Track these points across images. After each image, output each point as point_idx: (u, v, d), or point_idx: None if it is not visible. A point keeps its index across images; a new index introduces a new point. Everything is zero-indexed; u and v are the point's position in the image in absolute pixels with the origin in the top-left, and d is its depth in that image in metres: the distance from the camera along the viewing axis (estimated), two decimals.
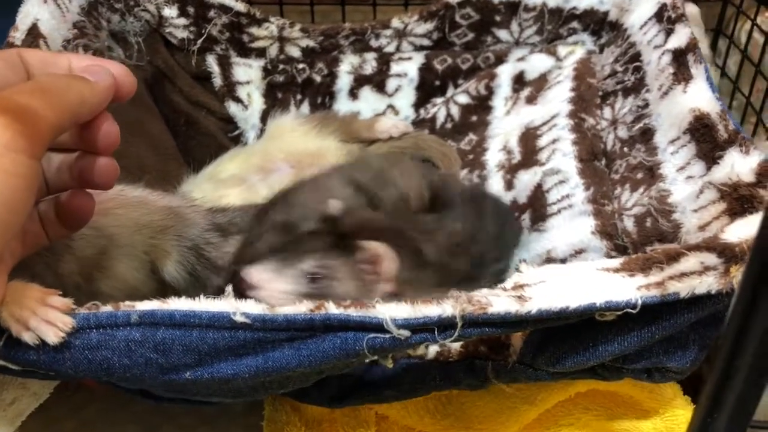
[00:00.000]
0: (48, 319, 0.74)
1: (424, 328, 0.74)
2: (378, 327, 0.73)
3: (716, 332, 0.81)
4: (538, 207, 1.21)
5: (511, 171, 1.33)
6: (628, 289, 0.72)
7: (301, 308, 0.75)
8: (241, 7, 1.56)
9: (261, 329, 0.74)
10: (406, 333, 0.73)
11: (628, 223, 1.06)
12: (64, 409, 1.15)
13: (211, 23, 1.57)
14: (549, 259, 1.11)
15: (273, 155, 1.46)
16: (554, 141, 1.27)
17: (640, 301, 0.71)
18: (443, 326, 0.73)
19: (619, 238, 1.04)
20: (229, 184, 1.42)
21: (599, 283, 0.75)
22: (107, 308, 0.76)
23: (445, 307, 0.73)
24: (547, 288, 0.76)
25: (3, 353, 0.75)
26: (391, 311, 0.73)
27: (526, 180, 1.28)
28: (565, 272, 0.79)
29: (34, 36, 1.17)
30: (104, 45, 1.44)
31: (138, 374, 0.76)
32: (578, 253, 1.07)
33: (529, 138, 1.34)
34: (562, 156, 1.23)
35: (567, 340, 0.82)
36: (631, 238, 1.03)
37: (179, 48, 1.59)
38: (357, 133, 1.53)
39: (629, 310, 0.71)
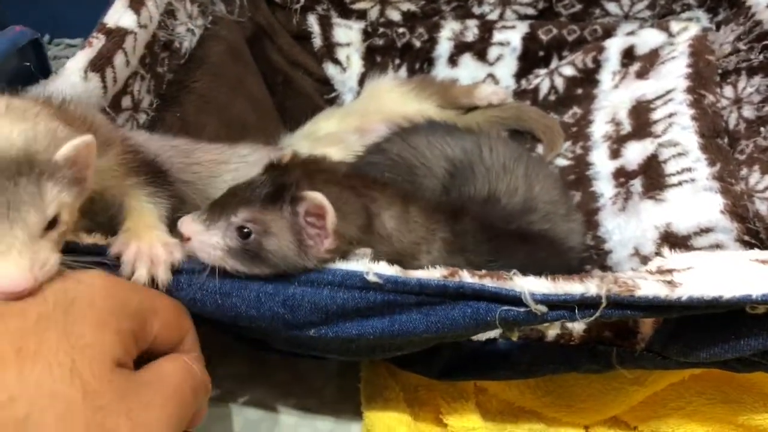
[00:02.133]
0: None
1: (563, 305, 0.68)
2: (514, 300, 0.68)
3: None
4: (653, 176, 1.13)
5: (619, 141, 1.25)
6: None
7: (435, 273, 0.70)
8: None
9: (392, 291, 0.70)
10: (543, 309, 0.68)
11: (762, 207, 0.97)
12: None
13: None
14: (668, 234, 1.03)
15: (370, 116, 1.40)
16: (671, 115, 1.18)
17: None
18: (584, 305, 0.67)
19: (751, 221, 0.95)
20: (327, 142, 1.36)
21: (754, 274, 0.68)
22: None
23: (589, 286, 0.67)
24: (698, 275, 0.69)
25: None
26: (529, 285, 0.68)
27: (638, 149, 1.20)
28: (715, 260, 0.73)
29: None
30: None
31: (263, 326, 0.73)
32: (704, 231, 0.99)
33: (641, 111, 1.25)
34: (680, 129, 1.14)
35: (705, 331, 0.75)
36: (765, 223, 0.95)
37: (281, 6, 1.54)
38: (455, 99, 1.45)
39: None
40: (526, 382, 1.00)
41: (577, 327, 0.84)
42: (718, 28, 1.35)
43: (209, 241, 0.77)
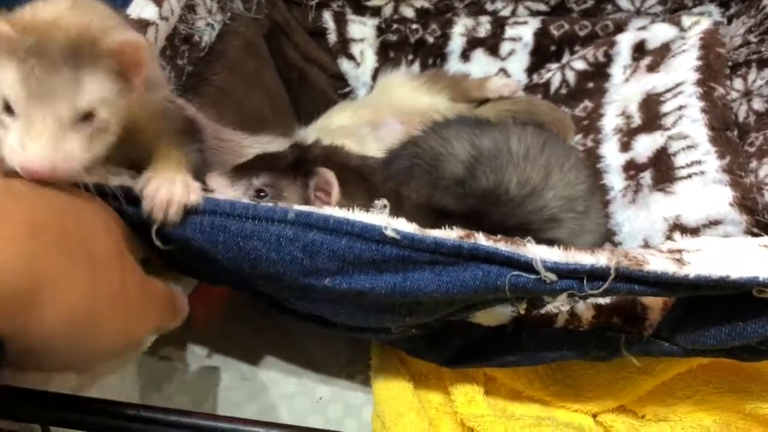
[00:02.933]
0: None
1: (572, 275, 0.68)
2: (525, 266, 0.68)
3: None
4: (663, 168, 1.11)
5: (629, 134, 1.24)
6: None
7: (451, 234, 0.71)
8: None
9: (408, 247, 0.71)
10: (553, 277, 0.68)
11: None
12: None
13: None
14: (677, 225, 1.01)
15: (382, 109, 1.40)
16: (680, 107, 1.17)
17: None
18: (593, 276, 0.67)
19: (760, 213, 0.94)
20: (339, 135, 1.35)
21: (762, 257, 0.68)
22: (267, 203, 0.75)
23: (600, 257, 0.67)
24: (707, 255, 0.68)
25: (161, 232, 0.75)
26: (542, 252, 0.68)
27: (648, 142, 1.18)
28: (725, 243, 0.72)
29: None
30: None
31: (281, 271, 0.74)
32: (713, 224, 0.97)
33: (651, 104, 1.23)
34: (690, 122, 1.12)
35: (712, 316, 0.74)
36: None
37: (297, 3, 1.54)
38: (467, 92, 1.44)
39: None
40: (535, 370, 1.00)
41: (586, 313, 0.83)
42: (729, 21, 1.33)
43: (230, 195, 0.81)
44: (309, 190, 0.87)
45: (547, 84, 1.45)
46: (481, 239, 0.70)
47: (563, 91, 1.43)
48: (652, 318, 0.80)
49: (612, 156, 1.23)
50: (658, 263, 0.66)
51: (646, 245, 1.03)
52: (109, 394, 0.75)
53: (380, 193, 0.84)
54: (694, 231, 0.99)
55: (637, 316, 0.81)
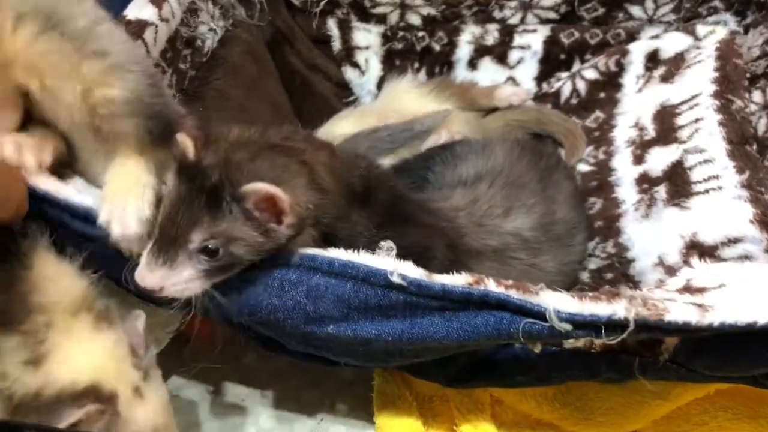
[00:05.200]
0: None
1: (589, 325, 0.65)
2: (539, 315, 0.66)
3: None
4: (678, 182, 1.07)
5: (642, 147, 1.20)
6: None
7: (460, 280, 0.68)
8: None
9: (415, 294, 0.68)
10: (568, 327, 0.65)
11: None
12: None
13: None
14: (694, 243, 0.97)
15: (387, 115, 1.36)
16: (697, 120, 1.13)
17: None
18: (611, 326, 0.64)
19: None
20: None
21: None
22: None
23: (617, 308, 0.64)
24: (730, 296, 0.66)
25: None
26: (556, 302, 0.65)
27: (663, 155, 1.14)
28: (746, 277, 0.70)
29: None
30: (229, 2, 1.37)
31: (281, 318, 0.71)
32: (733, 242, 0.93)
33: (665, 116, 1.19)
34: (708, 135, 1.08)
35: (732, 345, 0.71)
36: None
37: (301, 9, 1.51)
38: (475, 100, 1.41)
39: None
40: (544, 393, 0.95)
41: None
42: (746, 31, 1.29)
43: (181, 278, 0.71)
44: (251, 213, 0.71)
45: (557, 93, 1.41)
46: (492, 285, 0.67)
47: (574, 100, 1.39)
48: (668, 342, 0.76)
49: (624, 169, 1.19)
50: (679, 312, 0.63)
51: (661, 263, 0.99)
52: None
53: (310, 154, 0.76)
54: (712, 249, 0.94)
55: (653, 340, 0.77)
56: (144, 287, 0.70)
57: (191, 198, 0.71)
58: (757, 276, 0.70)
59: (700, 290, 0.68)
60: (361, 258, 0.71)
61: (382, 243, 0.74)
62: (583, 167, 1.27)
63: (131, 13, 1.07)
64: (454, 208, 0.98)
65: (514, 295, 0.67)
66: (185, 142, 0.73)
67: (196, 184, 0.71)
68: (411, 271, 0.69)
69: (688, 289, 0.69)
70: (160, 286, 0.70)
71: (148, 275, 0.70)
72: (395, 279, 0.68)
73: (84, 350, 0.73)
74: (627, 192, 1.16)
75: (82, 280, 0.77)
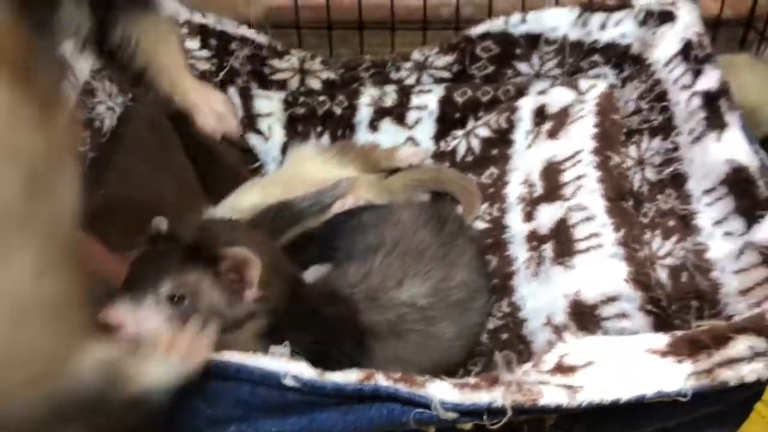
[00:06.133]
0: None
1: (472, 413, 0.68)
2: (426, 405, 0.69)
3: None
4: (563, 240, 1.11)
5: (531, 204, 1.23)
6: (677, 378, 0.67)
7: (352, 377, 0.71)
8: (262, 39, 1.50)
9: (309, 393, 0.70)
10: (453, 415, 0.68)
11: (662, 274, 0.96)
12: None
13: (233, 55, 1.50)
14: (577, 302, 1.01)
15: (293, 184, 1.38)
16: (579, 177, 1.17)
17: (690, 392, 0.66)
18: (492, 413, 0.68)
19: (653, 289, 0.94)
20: (251, 214, 1.33)
21: (649, 370, 0.70)
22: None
23: (495, 395, 0.68)
24: (597, 374, 0.70)
25: None
26: (440, 393, 0.68)
27: (549, 213, 1.18)
28: (613, 352, 0.73)
29: None
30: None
31: (182, 425, 0.72)
32: (610, 300, 0.98)
33: (551, 172, 1.24)
34: (588, 192, 1.13)
35: (604, 411, 0.73)
36: (666, 291, 0.94)
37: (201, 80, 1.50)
38: (377, 163, 1.44)
39: (679, 398, 0.66)
40: None
41: None
42: (623, 84, 1.34)
43: (146, 321, 0.76)
44: (222, 276, 0.81)
45: (454, 151, 1.46)
46: (381, 380, 0.70)
47: (469, 158, 1.43)
48: None
49: (517, 226, 1.22)
50: (551, 395, 0.67)
51: (549, 323, 1.03)
52: None
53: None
54: (592, 308, 0.99)
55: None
56: (110, 322, 0.75)
57: (172, 251, 0.82)
58: (619, 349, 0.74)
59: (571, 369, 0.71)
60: (255, 360, 0.72)
61: (273, 348, 0.77)
62: (480, 225, 1.30)
63: None
64: (350, 285, 1.00)
65: (402, 388, 0.69)
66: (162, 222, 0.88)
67: (176, 244, 0.83)
68: (304, 371, 0.71)
69: (560, 368, 0.73)
70: (125, 326, 0.75)
71: (116, 311, 0.76)
72: (288, 382, 0.70)
73: None
74: (519, 250, 1.19)
75: None
